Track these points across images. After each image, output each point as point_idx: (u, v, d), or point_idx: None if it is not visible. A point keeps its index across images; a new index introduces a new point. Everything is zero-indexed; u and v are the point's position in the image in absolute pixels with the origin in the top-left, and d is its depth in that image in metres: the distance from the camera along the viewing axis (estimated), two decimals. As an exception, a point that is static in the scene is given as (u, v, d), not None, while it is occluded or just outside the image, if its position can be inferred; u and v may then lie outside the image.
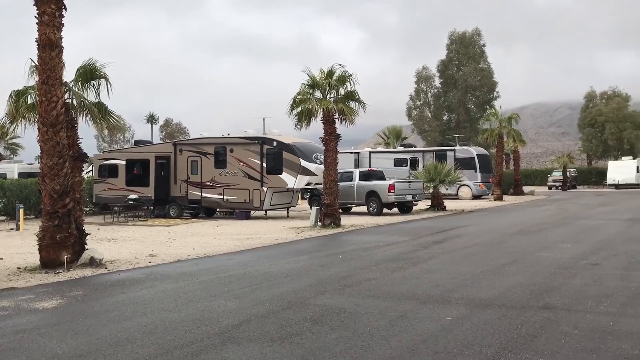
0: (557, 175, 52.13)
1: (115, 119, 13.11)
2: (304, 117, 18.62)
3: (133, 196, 23.56)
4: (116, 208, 23.14)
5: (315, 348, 5.48)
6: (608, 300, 7.23)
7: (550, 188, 51.63)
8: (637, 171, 50.56)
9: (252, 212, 23.41)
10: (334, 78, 18.48)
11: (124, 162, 24.54)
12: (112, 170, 24.75)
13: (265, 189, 22.15)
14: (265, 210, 23.22)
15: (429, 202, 25.86)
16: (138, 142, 27.73)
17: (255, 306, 7.27)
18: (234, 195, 22.69)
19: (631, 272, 9.21)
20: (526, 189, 43.91)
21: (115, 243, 14.79)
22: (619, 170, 50.98)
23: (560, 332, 5.84)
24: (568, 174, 51.59)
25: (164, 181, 23.71)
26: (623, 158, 54.59)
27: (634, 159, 53.49)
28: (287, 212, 24.17)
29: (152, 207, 23.90)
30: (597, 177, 57.95)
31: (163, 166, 23.81)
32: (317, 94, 18.83)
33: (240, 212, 22.92)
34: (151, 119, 77.98)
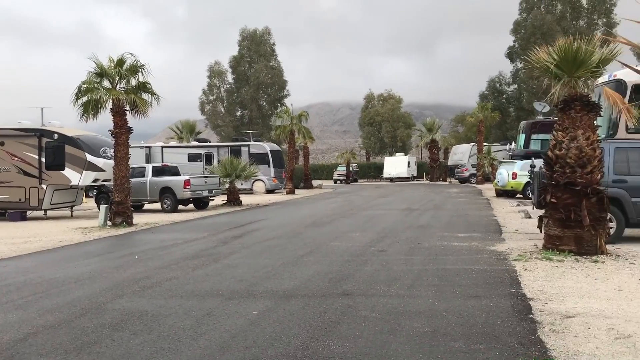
0: (341, 170, 56.04)
1: None
2: (91, 108, 17.19)
3: None
4: None
5: (117, 356, 5.06)
6: (397, 283, 7.89)
7: (335, 182, 55.34)
8: (409, 166, 56.68)
9: (28, 213, 21.05)
10: (124, 67, 17.37)
11: None
12: None
13: (44, 186, 20.07)
14: (45, 210, 21.04)
15: (225, 198, 25.84)
16: None
17: (43, 316, 6.49)
18: (5, 194, 20.17)
19: (413, 256, 10.19)
20: (315, 182, 46.45)
21: None
22: (394, 165, 56.65)
23: (360, 317, 6.19)
24: (351, 168, 55.80)
25: None
26: (397, 154, 60.81)
27: (405, 155, 59.86)
28: (71, 212, 22.22)
29: None
30: (375, 172, 63.60)
31: None
32: (106, 83, 17.55)
33: (13, 212, 20.45)
34: None
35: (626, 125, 13.38)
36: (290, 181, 35.90)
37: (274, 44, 68.52)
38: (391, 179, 55.91)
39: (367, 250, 11.02)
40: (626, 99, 11.51)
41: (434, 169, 53.74)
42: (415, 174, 58.16)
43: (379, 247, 11.33)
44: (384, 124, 69.05)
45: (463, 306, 6.54)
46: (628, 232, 11.90)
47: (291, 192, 35.18)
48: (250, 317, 6.27)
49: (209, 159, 35.03)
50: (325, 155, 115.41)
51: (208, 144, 39.75)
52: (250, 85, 65.81)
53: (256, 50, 66.63)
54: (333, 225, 15.87)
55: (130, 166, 18.23)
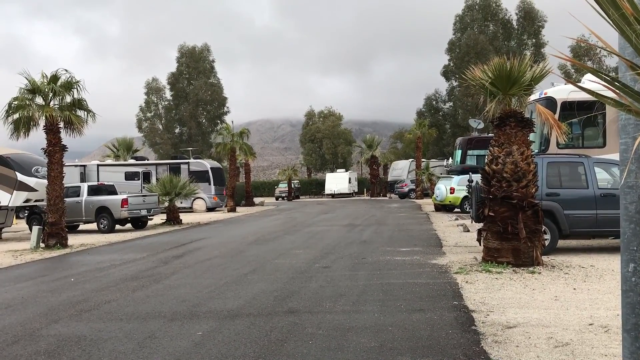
0: (283, 186, 55.95)
1: None
2: (22, 125, 16.49)
3: None
4: None
5: (53, 386, 4.80)
6: (342, 299, 7.89)
7: (277, 199, 55.19)
8: (350, 182, 57.23)
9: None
10: (58, 84, 16.77)
11: None
12: None
13: (-29, 208, 19.03)
14: (-28, 233, 19.94)
15: (164, 217, 25.26)
16: None
17: (-31, 347, 6.10)
18: None
19: (357, 272, 10.24)
20: (257, 200, 46.18)
21: None
22: (335, 181, 57.07)
23: (306, 334, 6.14)
24: (292, 185, 55.79)
25: None
26: (338, 170, 61.35)
27: (346, 171, 60.45)
28: (0, 234, 21.14)
29: None
30: (317, 188, 63.87)
31: None
32: (39, 100, 16.89)
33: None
34: None
35: (557, 141, 14.00)
36: (231, 199, 35.51)
37: (213, 61, 68.16)
38: (333, 195, 56.28)
39: (311, 266, 10.99)
40: (556, 116, 12.04)
41: (375, 184, 54.49)
42: (356, 190, 58.80)
43: (323, 264, 11.33)
44: (325, 140, 69.57)
45: (408, 320, 6.61)
46: (561, 243, 12.39)
47: (232, 209, 34.80)
48: (194, 339, 6.11)
49: (147, 177, 34.25)
50: (266, 172, 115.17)
51: (146, 162, 38.86)
52: (189, 102, 64.98)
53: (195, 67, 65.97)
54: (276, 243, 15.77)
55: (65, 185, 17.55)
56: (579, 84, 2.51)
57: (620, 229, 3.05)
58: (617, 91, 1.94)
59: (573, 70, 40.28)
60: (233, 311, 7.38)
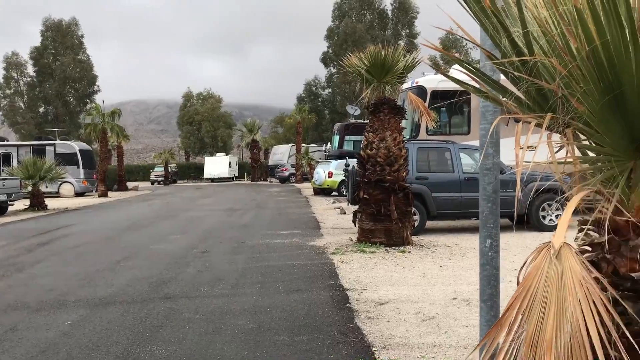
0: (159, 170, 54.01)
1: None
2: None
3: None
4: None
5: None
6: (221, 283, 7.85)
7: (153, 183, 53.23)
8: (230, 166, 56.62)
9: None
10: None
11: None
12: None
13: None
14: None
15: (27, 202, 23.47)
16: None
17: None
18: None
19: (236, 255, 10.21)
20: (130, 184, 44.20)
21: None
22: (215, 165, 56.17)
23: (183, 319, 6.05)
24: (169, 169, 54.10)
25: None
26: (217, 154, 60.35)
27: (226, 155, 59.71)
28: None
29: None
30: (195, 172, 62.46)
31: None
32: None
33: None
34: None
35: (427, 127, 14.81)
36: (102, 183, 33.70)
37: (82, 36, 63.93)
38: (212, 180, 55.39)
39: (189, 252, 10.79)
40: (426, 104, 12.74)
41: (255, 169, 54.38)
42: (236, 174, 58.31)
43: (201, 249, 11.16)
44: (204, 123, 68.18)
45: (286, 300, 6.72)
46: (429, 224, 13.18)
47: (104, 194, 33.08)
48: (62, 329, 5.78)
49: (7, 159, 31.63)
50: (141, 155, 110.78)
51: (5, 142, 35.79)
52: (55, 79, 60.57)
53: (62, 42, 61.51)
54: (152, 228, 15.27)
55: None
56: (447, 73, 2.69)
57: (479, 208, 3.31)
58: (477, 79, 2.10)
59: (443, 61, 42.69)
60: (105, 299, 7.08)
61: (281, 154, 50.73)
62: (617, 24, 1.59)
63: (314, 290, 7.22)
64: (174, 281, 8.08)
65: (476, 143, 13.77)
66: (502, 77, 2.29)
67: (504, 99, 1.99)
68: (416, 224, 12.04)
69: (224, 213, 19.26)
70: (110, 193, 34.79)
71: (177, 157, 64.24)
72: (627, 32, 1.59)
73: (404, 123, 11.81)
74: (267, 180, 53.25)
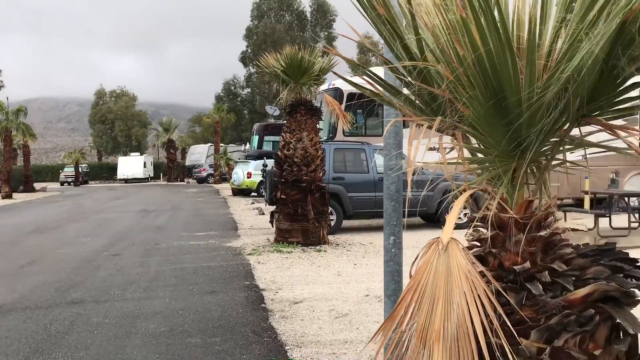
0: (69, 171, 51.57)
1: None
2: None
3: None
4: None
5: None
6: (132, 286, 7.63)
7: (62, 184, 50.77)
8: (145, 166, 55.03)
9: None
10: None
11: None
12: None
13: None
14: None
15: None
16: None
17: None
18: None
19: (149, 258, 9.96)
20: (38, 185, 41.97)
21: None
22: (129, 165, 54.38)
23: (91, 324, 5.84)
24: (80, 169, 51.81)
25: None
26: (132, 154, 58.46)
27: (141, 154, 57.95)
28: None
29: None
30: (108, 172, 60.20)
31: None
32: None
33: None
34: None
35: (343, 129, 15.06)
36: (6, 184, 31.82)
37: (-16, 28, 60.04)
38: (126, 180, 53.58)
39: (99, 255, 10.41)
40: (342, 106, 12.95)
41: (172, 169, 53.09)
42: (152, 175, 56.72)
43: (112, 251, 10.80)
44: (118, 122, 65.81)
45: (200, 303, 6.65)
46: (345, 223, 13.41)
47: (8, 196, 31.23)
48: (-44, 340, 5.43)
49: None
50: (50, 155, 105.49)
51: None
52: (-47, 73, 56.46)
53: (-39, 33, 57.50)
54: (60, 231, 14.59)
55: None
56: (356, 77, 2.78)
57: (384, 207, 3.44)
58: (372, 82, 2.18)
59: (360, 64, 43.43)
60: (6, 306, 6.71)
61: (199, 153, 49.84)
62: (496, 33, 1.71)
63: (229, 292, 7.18)
64: (82, 285, 7.78)
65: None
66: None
67: (398, 102, 2.08)
68: (333, 223, 12.22)
69: (138, 214, 18.71)
70: (15, 194, 32.89)
71: (89, 156, 61.58)
72: (503, 40, 1.72)
73: (321, 124, 11.96)
74: (184, 181, 52.16)
